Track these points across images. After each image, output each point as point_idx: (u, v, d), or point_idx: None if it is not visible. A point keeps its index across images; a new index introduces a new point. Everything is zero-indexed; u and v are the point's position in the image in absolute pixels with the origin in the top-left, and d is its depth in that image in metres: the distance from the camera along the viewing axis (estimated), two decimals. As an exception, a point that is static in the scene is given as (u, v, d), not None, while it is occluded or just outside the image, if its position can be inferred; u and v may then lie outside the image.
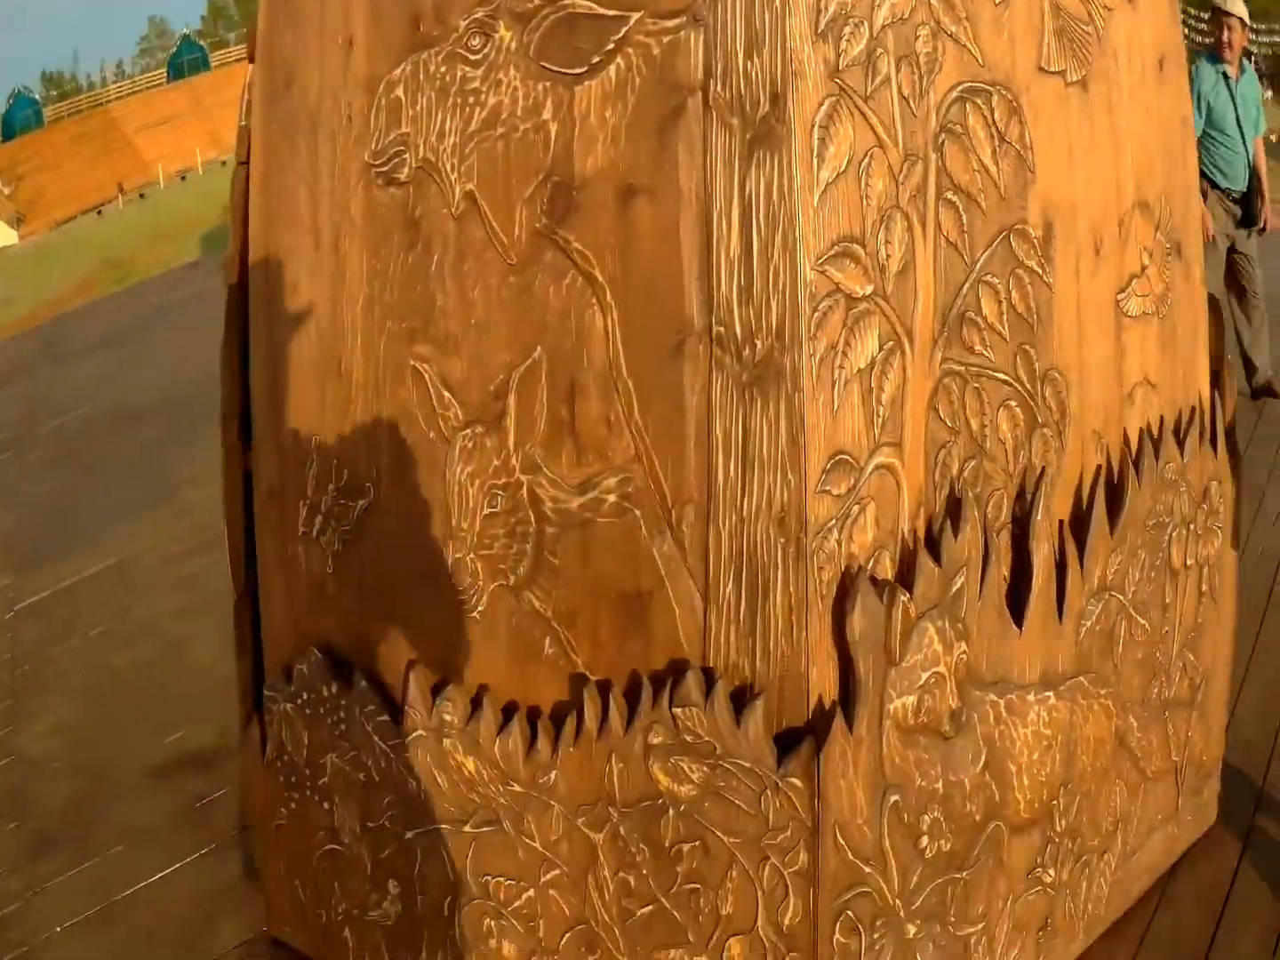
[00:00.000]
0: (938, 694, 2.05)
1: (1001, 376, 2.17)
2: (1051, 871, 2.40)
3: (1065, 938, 2.53)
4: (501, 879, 2.27)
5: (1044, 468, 2.25)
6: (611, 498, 2.04)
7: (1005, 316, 2.17)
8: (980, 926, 2.28)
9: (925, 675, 2.03)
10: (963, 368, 2.11)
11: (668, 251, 1.91)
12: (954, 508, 2.09)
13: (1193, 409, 2.63)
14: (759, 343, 1.88)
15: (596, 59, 1.93)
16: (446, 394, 2.19)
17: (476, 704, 2.22)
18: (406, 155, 2.16)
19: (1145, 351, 2.50)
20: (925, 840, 2.10)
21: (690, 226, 1.89)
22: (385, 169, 2.20)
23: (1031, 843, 2.33)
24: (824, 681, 1.98)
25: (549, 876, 2.19)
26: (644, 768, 2.03)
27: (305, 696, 2.49)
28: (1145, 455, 2.43)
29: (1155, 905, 2.69)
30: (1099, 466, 2.39)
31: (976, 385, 2.13)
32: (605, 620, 2.10)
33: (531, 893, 2.23)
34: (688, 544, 1.98)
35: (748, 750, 1.94)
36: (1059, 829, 2.38)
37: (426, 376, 2.20)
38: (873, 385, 1.96)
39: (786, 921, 2.00)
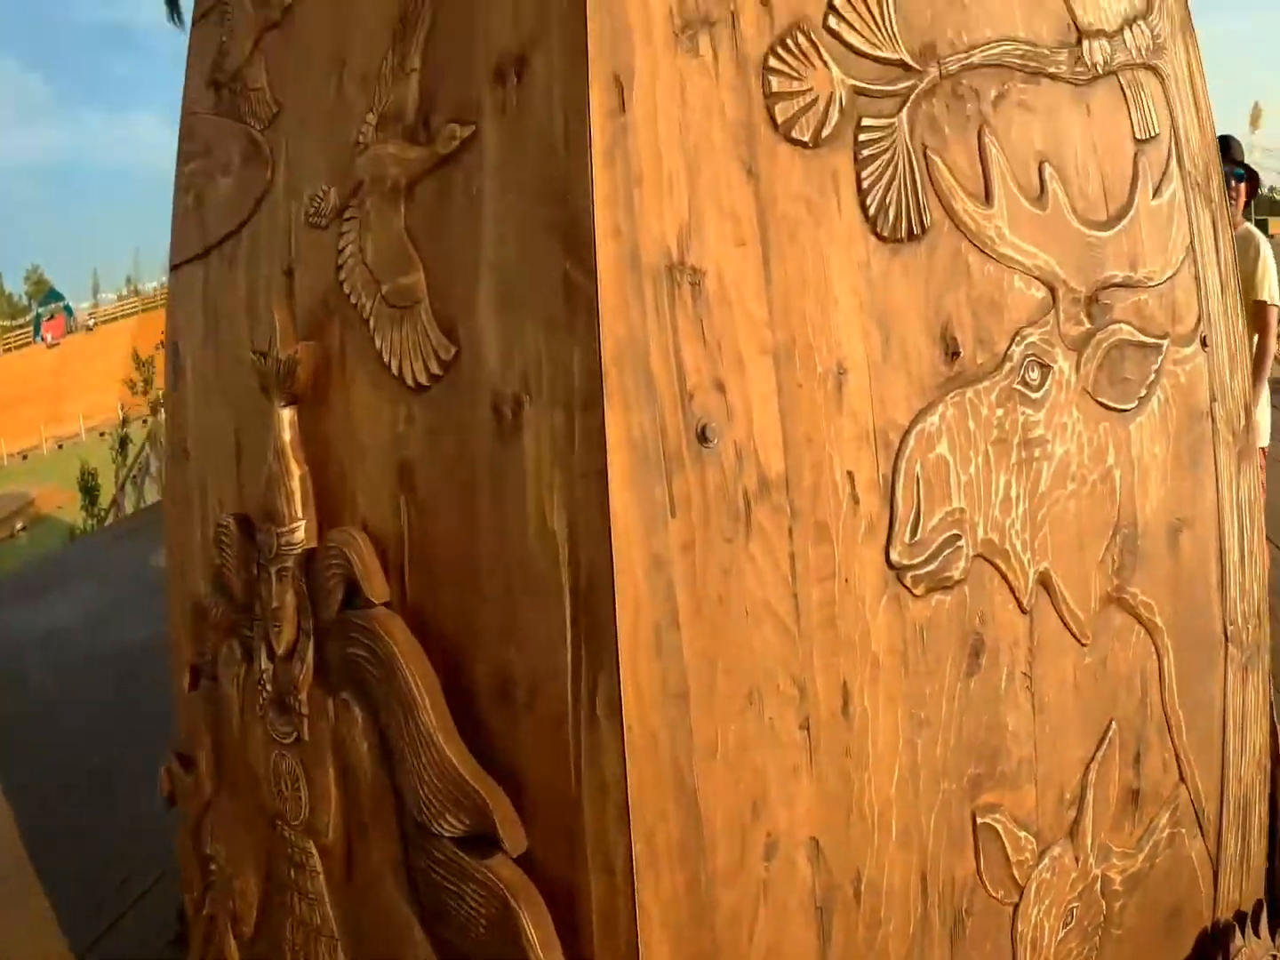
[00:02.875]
0: None
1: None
2: None
3: None
4: None
5: None
6: (1165, 833, 1.86)
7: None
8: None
9: None
10: None
11: (1204, 572, 1.84)
12: None
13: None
14: (1250, 625, 1.96)
15: (1143, 391, 1.67)
16: (1022, 834, 1.62)
17: None
18: (962, 541, 1.47)
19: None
20: None
21: (1213, 549, 1.85)
22: (931, 568, 1.45)
23: None
24: None
25: None
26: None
27: None
28: None
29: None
30: None
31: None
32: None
33: None
34: (1208, 828, 1.96)
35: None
36: None
37: (1000, 827, 1.59)
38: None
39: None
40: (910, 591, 1.43)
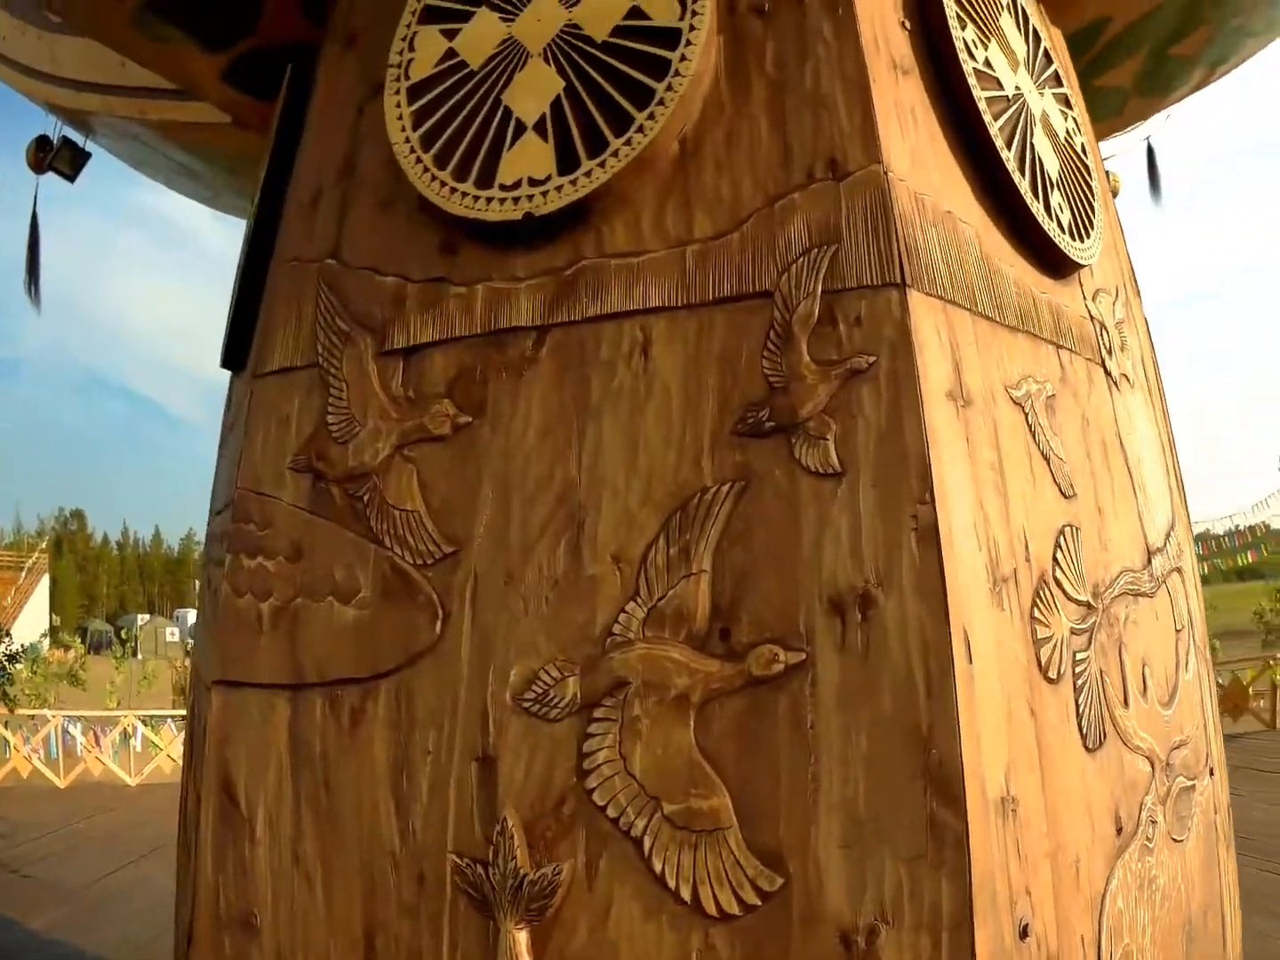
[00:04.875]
0: None
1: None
2: None
3: None
4: None
5: None
6: None
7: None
8: None
9: None
10: None
11: (1218, 936, 2.38)
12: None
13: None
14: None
15: (1191, 822, 2.30)
16: None
17: None
18: (1126, 967, 1.97)
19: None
20: None
21: (1219, 918, 2.41)
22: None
23: None
24: None
25: None
26: None
27: None
28: None
29: None
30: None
31: None
32: None
33: None
34: None
35: None
36: None
37: None
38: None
39: None
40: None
